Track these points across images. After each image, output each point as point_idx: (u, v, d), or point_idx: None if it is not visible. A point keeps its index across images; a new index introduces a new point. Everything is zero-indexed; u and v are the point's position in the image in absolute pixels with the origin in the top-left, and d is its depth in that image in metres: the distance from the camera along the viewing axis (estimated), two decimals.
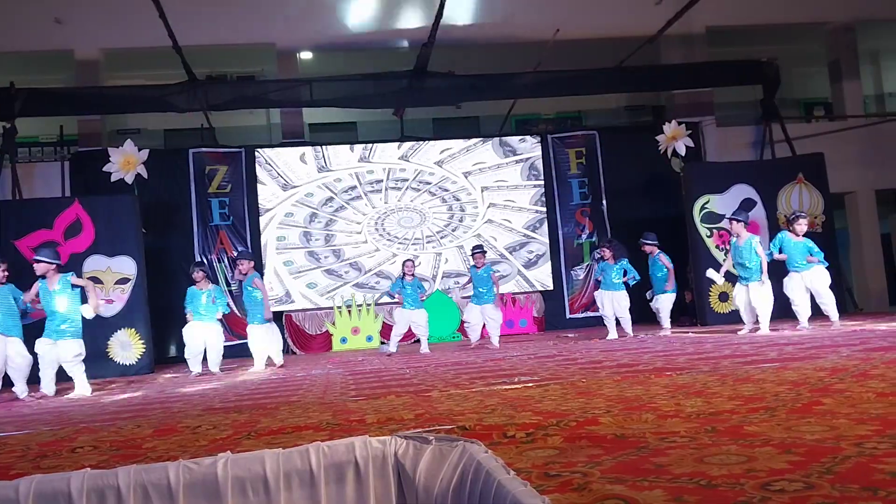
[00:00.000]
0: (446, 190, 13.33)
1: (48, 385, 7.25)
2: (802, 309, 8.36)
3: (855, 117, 14.81)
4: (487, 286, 9.70)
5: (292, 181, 12.97)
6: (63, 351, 7.20)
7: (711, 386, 3.87)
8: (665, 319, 9.90)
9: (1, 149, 11.00)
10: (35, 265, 7.27)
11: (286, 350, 12.18)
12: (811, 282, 8.30)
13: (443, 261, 13.06)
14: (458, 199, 13.37)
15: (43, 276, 7.24)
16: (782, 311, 8.71)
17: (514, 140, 13.75)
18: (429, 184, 13.28)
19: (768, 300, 8.32)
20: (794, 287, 8.36)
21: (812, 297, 8.38)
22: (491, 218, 13.39)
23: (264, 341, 9.00)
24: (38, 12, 12.40)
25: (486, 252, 10.07)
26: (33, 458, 3.19)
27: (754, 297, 8.33)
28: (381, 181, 13.19)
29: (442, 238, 13.19)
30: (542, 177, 13.55)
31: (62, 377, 7.41)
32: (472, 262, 10.01)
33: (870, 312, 11.94)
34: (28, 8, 12.30)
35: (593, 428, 2.79)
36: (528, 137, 13.79)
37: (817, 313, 8.51)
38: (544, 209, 13.45)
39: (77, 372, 7.26)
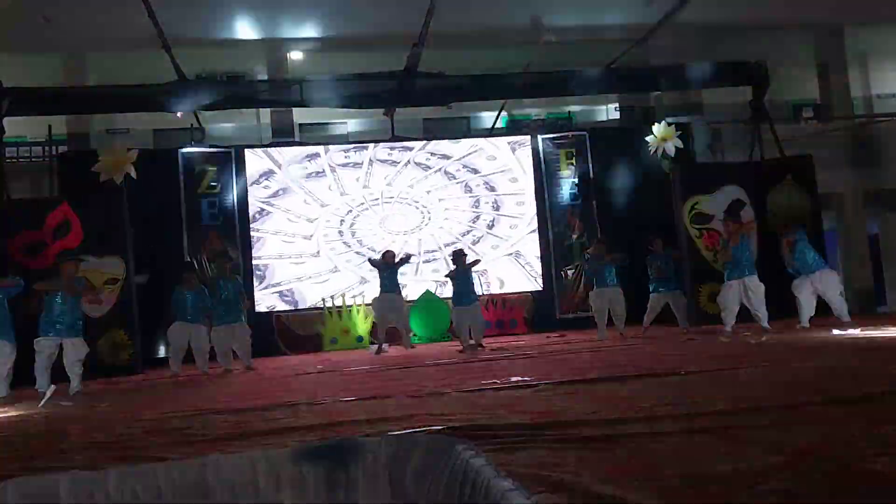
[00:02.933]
0: (429, 192, 13.34)
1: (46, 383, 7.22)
2: (808, 309, 8.45)
3: (843, 118, 14.90)
4: (469, 288, 9.67)
5: (283, 182, 12.94)
6: (74, 349, 7.16)
7: (700, 386, 3.89)
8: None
9: None
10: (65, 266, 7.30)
11: (276, 351, 12.14)
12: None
13: (432, 259, 13.04)
14: (441, 200, 13.37)
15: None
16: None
17: (503, 140, 13.76)
18: (413, 188, 13.32)
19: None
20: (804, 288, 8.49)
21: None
22: (479, 217, 13.39)
23: (236, 341, 8.99)
24: (25, 11, 12.32)
25: (466, 255, 10.02)
26: (22, 460, 3.17)
27: (754, 293, 8.37)
28: (377, 198, 13.24)
29: (431, 236, 13.20)
30: (531, 177, 13.55)
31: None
32: (453, 266, 9.88)
33: (855, 314, 12.00)
34: (15, 6, 12.21)
35: (584, 429, 2.80)
36: (517, 138, 13.80)
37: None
38: (534, 209, 13.45)
39: (78, 370, 7.23)
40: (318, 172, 13.11)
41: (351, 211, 13.17)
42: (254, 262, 12.63)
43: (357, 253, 13.01)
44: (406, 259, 10.44)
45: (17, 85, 11.13)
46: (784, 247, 8.83)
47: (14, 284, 7.32)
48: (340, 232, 13.09)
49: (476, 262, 10.11)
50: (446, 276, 9.78)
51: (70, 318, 7.27)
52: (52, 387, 6.89)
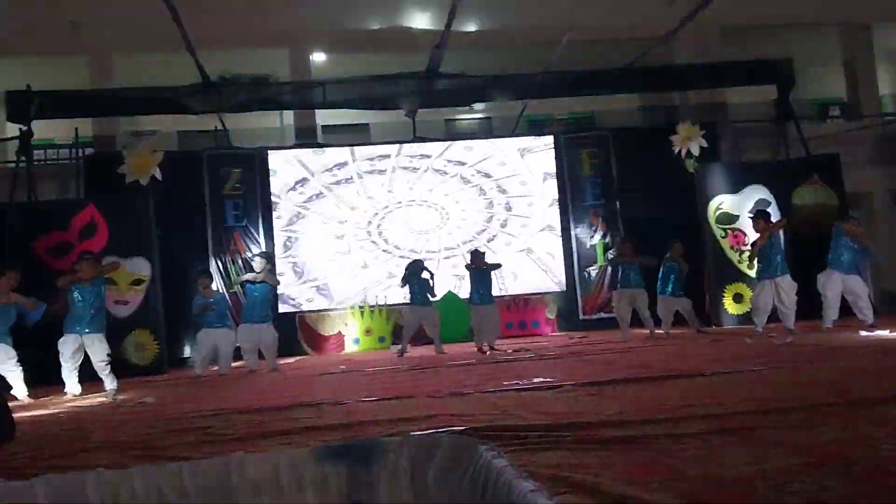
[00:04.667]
0: (460, 188, 13.35)
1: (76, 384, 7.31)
2: (833, 309, 8.31)
3: (871, 117, 14.70)
4: (487, 288, 9.62)
5: (306, 184, 13.02)
6: (94, 348, 7.27)
7: (724, 387, 3.85)
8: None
9: (17, 151, 11.08)
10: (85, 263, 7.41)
11: (300, 351, 12.22)
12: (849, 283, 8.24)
13: (454, 261, 13.04)
14: (468, 200, 13.37)
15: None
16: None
17: (525, 140, 13.73)
18: (432, 191, 13.35)
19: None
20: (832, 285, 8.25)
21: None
22: (498, 217, 13.38)
23: (262, 342, 9.05)
24: (53, 15, 12.49)
25: (484, 253, 9.96)
26: (48, 458, 3.22)
27: (787, 293, 8.22)
28: (401, 202, 13.30)
29: (448, 236, 13.22)
30: (553, 177, 13.51)
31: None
32: (472, 265, 9.80)
33: (883, 315, 11.82)
34: (44, 12, 12.39)
35: (606, 430, 2.79)
36: (539, 138, 13.77)
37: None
38: (556, 209, 13.41)
39: (106, 370, 7.30)
40: (347, 179, 13.25)
41: (378, 213, 13.26)
42: (288, 260, 12.75)
43: (384, 251, 13.09)
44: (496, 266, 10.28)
45: (45, 88, 11.30)
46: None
47: (35, 308, 7.36)
48: (368, 232, 13.18)
49: (497, 265, 10.06)
50: (467, 266, 9.77)
51: (90, 313, 7.32)
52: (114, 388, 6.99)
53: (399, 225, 13.27)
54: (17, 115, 11.11)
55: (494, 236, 13.33)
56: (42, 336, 7.54)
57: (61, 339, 7.26)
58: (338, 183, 13.22)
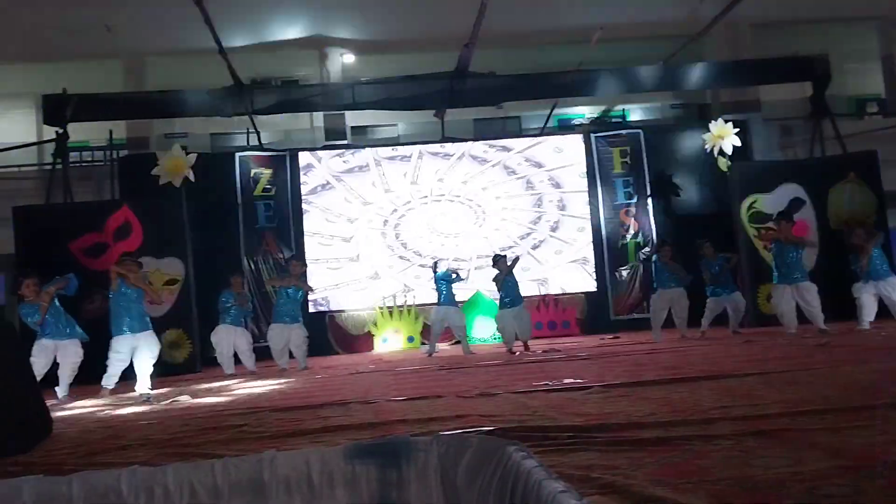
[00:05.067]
0: (485, 188, 13.33)
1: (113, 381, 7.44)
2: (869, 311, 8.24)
3: None
4: (516, 289, 9.58)
5: (339, 185, 13.09)
6: (150, 344, 7.37)
7: (758, 388, 3.81)
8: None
9: (53, 153, 11.29)
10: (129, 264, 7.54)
11: (329, 350, 12.31)
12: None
13: (482, 262, 13.01)
14: (495, 199, 13.34)
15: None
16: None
17: (554, 139, 13.66)
18: (466, 184, 13.31)
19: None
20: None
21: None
22: (536, 218, 13.33)
23: (292, 342, 9.12)
24: (88, 20, 12.70)
25: (504, 256, 9.92)
26: (85, 455, 3.27)
27: (808, 298, 8.13)
28: (426, 196, 13.27)
29: (475, 238, 13.19)
30: (584, 176, 13.43)
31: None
32: (500, 275, 9.74)
33: None
34: (79, 16, 12.61)
35: (636, 431, 2.77)
36: (569, 136, 13.69)
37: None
38: (587, 209, 13.33)
39: (148, 369, 7.40)
40: (361, 167, 13.21)
41: (396, 210, 13.23)
42: (307, 261, 12.80)
43: (401, 258, 13.07)
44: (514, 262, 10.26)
45: (81, 91, 11.50)
46: (861, 249, 8.50)
47: (66, 284, 7.47)
48: (384, 234, 13.17)
49: (516, 259, 9.95)
50: (493, 280, 9.71)
51: (141, 312, 7.44)
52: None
53: (422, 227, 13.21)
54: (53, 118, 11.33)
55: (534, 237, 13.25)
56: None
57: (114, 339, 7.32)
58: (350, 171, 13.25)
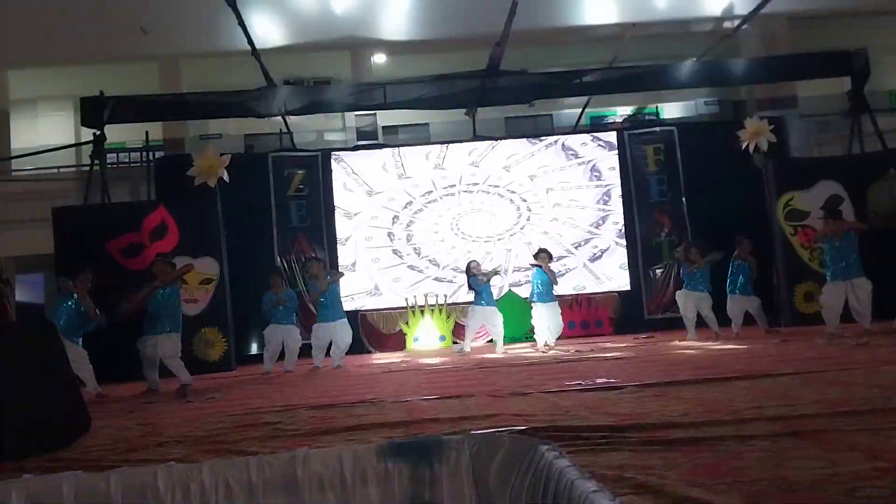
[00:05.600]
0: (513, 191, 13.27)
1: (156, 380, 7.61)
2: None
3: None
4: (548, 287, 9.57)
5: (370, 184, 13.13)
6: (163, 345, 7.52)
7: (795, 388, 3.75)
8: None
9: (91, 155, 11.49)
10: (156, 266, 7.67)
11: (362, 349, 12.38)
12: None
13: (513, 257, 12.98)
14: (524, 200, 13.27)
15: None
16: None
17: (587, 137, 13.55)
18: (497, 186, 13.26)
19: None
20: None
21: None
22: (557, 217, 13.25)
23: (335, 339, 9.18)
24: (124, 24, 12.92)
25: (551, 254, 9.92)
26: (122, 451, 3.33)
27: (860, 294, 7.96)
28: (454, 185, 13.23)
29: (511, 236, 13.12)
30: (617, 174, 13.31)
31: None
32: (536, 263, 9.76)
33: None
34: (115, 20, 12.83)
35: (670, 431, 2.74)
36: (601, 134, 13.58)
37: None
38: (620, 207, 13.21)
39: (176, 365, 7.57)
40: (395, 166, 13.23)
41: (412, 203, 13.17)
42: (342, 260, 12.87)
43: (430, 262, 13.10)
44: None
45: (117, 94, 11.70)
46: None
47: (97, 319, 7.61)
48: (391, 234, 13.14)
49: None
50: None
51: (167, 313, 7.59)
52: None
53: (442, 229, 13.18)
54: (90, 121, 11.53)
55: (564, 236, 13.19)
56: (113, 333, 7.81)
57: (140, 339, 7.54)
58: (384, 170, 13.21)
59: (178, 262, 8.60)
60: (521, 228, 13.18)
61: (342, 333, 9.27)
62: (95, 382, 7.42)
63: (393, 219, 13.13)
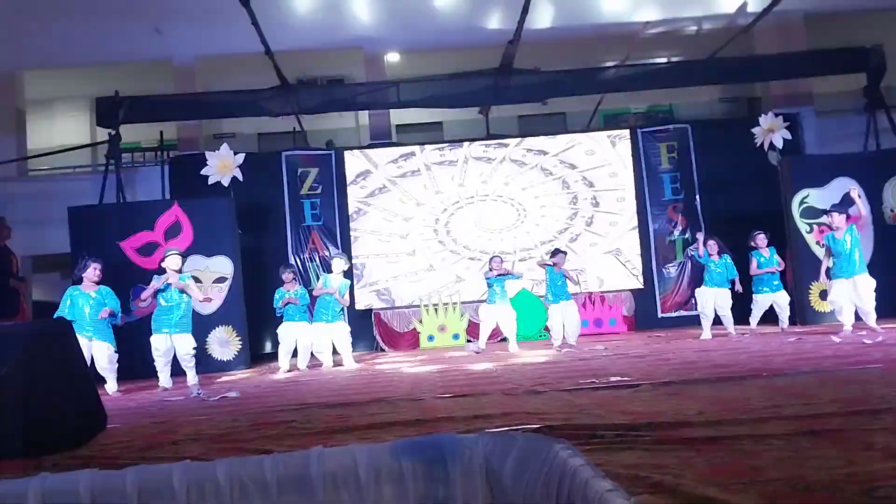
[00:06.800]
0: (525, 189, 13.24)
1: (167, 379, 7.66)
2: None
3: None
4: (563, 285, 9.54)
5: (383, 182, 13.14)
6: (184, 344, 7.58)
7: (811, 388, 3.72)
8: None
9: (106, 154, 11.57)
10: (169, 260, 7.69)
11: (376, 347, 12.42)
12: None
13: (526, 256, 12.95)
14: (537, 197, 13.24)
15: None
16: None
17: (601, 135, 13.50)
18: (508, 185, 13.24)
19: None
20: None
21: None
22: (577, 214, 13.21)
23: (335, 338, 9.21)
24: (139, 24, 12.98)
25: (566, 253, 9.89)
26: (138, 450, 3.35)
27: (863, 291, 7.90)
28: (473, 196, 13.24)
29: (527, 234, 13.10)
30: (631, 172, 13.25)
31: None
32: (550, 262, 9.71)
33: None
34: (130, 20, 12.89)
35: (686, 430, 2.73)
36: (615, 132, 13.52)
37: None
38: (634, 205, 13.16)
39: (190, 364, 7.62)
40: (413, 171, 13.22)
41: (446, 209, 13.23)
42: (352, 260, 12.87)
43: (452, 251, 13.07)
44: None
45: (132, 94, 11.77)
46: None
47: (113, 315, 7.65)
48: (436, 231, 13.16)
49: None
50: (545, 263, 9.70)
51: (179, 312, 7.64)
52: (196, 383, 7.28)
53: (469, 224, 13.18)
54: (105, 121, 11.62)
55: (578, 235, 13.14)
56: (127, 331, 7.88)
57: (152, 338, 7.60)
58: (403, 175, 13.23)
59: (192, 260, 8.63)
60: (536, 225, 13.17)
61: (342, 333, 9.27)
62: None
63: (407, 218, 13.13)
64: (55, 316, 7.06)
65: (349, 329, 9.44)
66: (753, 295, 9.48)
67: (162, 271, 7.85)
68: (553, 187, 13.26)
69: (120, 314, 7.73)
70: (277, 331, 9.33)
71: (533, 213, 13.20)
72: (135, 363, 8.27)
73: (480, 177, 13.24)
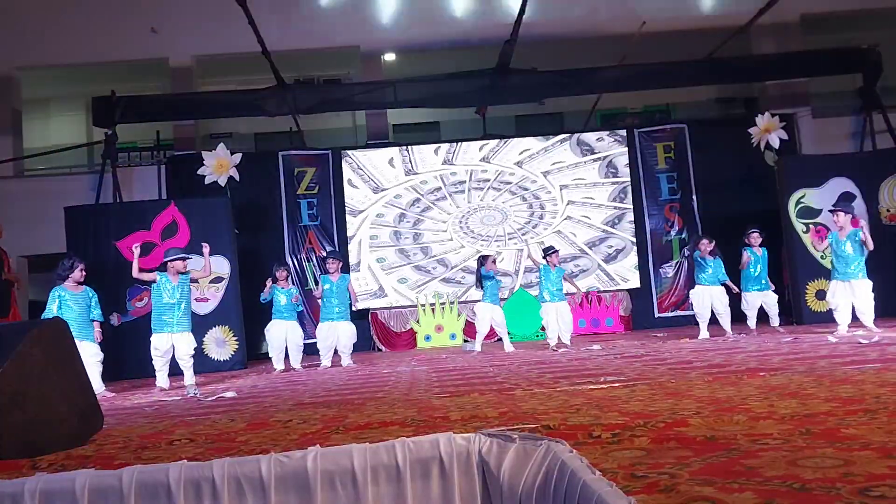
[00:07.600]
0: (525, 189, 13.25)
1: (165, 379, 7.65)
2: None
3: None
4: (558, 285, 9.54)
5: (381, 183, 13.14)
6: (184, 343, 7.58)
7: (807, 387, 3.73)
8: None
9: (102, 154, 11.56)
10: (173, 263, 7.70)
11: (372, 347, 12.42)
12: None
13: (524, 256, 12.97)
14: (537, 198, 13.26)
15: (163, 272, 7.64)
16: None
17: (592, 137, 13.51)
18: (509, 183, 13.24)
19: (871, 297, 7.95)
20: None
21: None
22: (570, 215, 13.22)
23: (340, 338, 9.19)
24: (135, 23, 12.98)
25: (558, 252, 9.90)
26: (134, 450, 3.35)
27: (861, 295, 7.92)
28: (465, 182, 13.21)
29: (523, 235, 13.11)
30: (627, 172, 13.27)
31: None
32: (544, 262, 9.71)
33: None
34: (126, 19, 12.89)
35: (682, 429, 2.73)
36: (612, 132, 13.54)
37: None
38: (631, 205, 13.18)
39: (188, 364, 7.61)
40: (409, 171, 13.22)
41: (419, 200, 13.21)
42: (351, 259, 12.88)
43: (451, 251, 13.08)
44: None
45: (128, 94, 11.75)
46: None
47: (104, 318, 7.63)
48: (436, 230, 13.16)
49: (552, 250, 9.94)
50: (536, 258, 9.70)
51: (179, 311, 7.63)
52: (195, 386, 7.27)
53: (465, 225, 13.17)
54: (102, 120, 11.61)
55: (575, 234, 13.15)
56: (118, 332, 7.86)
57: (153, 337, 7.57)
58: (403, 175, 13.25)
59: (188, 261, 8.60)
60: (534, 227, 13.16)
61: (346, 333, 9.25)
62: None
63: (400, 217, 13.13)
64: (42, 316, 7.03)
65: (354, 329, 9.42)
66: (743, 294, 9.46)
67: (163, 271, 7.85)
68: (545, 188, 13.27)
69: (115, 314, 7.73)
70: (265, 330, 9.25)
71: (530, 213, 13.21)
72: (132, 363, 8.27)
73: (479, 178, 13.26)
